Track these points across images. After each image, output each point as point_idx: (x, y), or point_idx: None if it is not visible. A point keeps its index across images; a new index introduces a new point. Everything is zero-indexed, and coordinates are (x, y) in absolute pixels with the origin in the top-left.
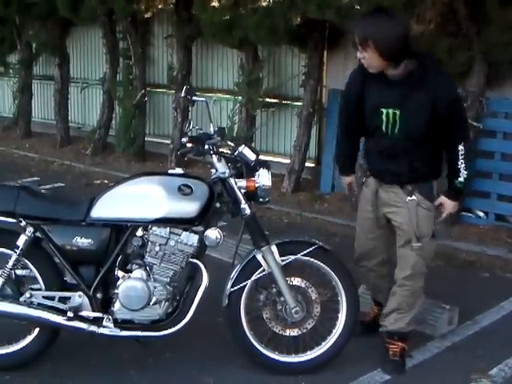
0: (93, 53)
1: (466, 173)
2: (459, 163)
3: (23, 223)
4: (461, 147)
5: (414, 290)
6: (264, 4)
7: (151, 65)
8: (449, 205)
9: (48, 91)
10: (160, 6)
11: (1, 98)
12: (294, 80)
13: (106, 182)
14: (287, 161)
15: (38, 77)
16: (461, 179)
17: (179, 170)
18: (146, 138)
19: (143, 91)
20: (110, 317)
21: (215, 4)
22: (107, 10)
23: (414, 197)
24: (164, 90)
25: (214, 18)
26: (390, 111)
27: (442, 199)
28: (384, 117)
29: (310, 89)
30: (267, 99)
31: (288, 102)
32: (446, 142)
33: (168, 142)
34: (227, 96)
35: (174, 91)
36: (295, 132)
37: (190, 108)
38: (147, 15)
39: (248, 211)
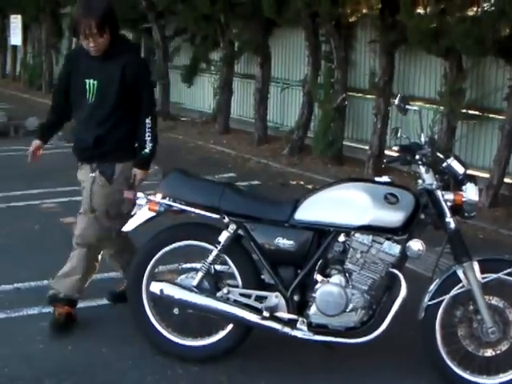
0: (294, 54)
1: (151, 144)
2: (146, 136)
3: (226, 220)
4: (148, 121)
5: (82, 255)
6: (472, 13)
7: (353, 69)
8: (139, 174)
9: (248, 89)
10: (364, 11)
11: (201, 93)
12: (497, 93)
13: (301, 183)
14: (485, 175)
15: (238, 75)
16: (147, 150)
17: (386, 178)
18: (343, 142)
19: (344, 95)
20: (304, 320)
21: (421, 11)
22: (311, 12)
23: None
24: (365, 95)
25: (421, 25)
26: (92, 81)
27: (134, 170)
28: (87, 86)
29: None
30: (469, 111)
31: (490, 115)
32: (135, 119)
33: (366, 147)
34: (428, 105)
35: (374, 97)
36: (495, 146)
37: (389, 115)
38: (351, 19)
39: (453, 225)
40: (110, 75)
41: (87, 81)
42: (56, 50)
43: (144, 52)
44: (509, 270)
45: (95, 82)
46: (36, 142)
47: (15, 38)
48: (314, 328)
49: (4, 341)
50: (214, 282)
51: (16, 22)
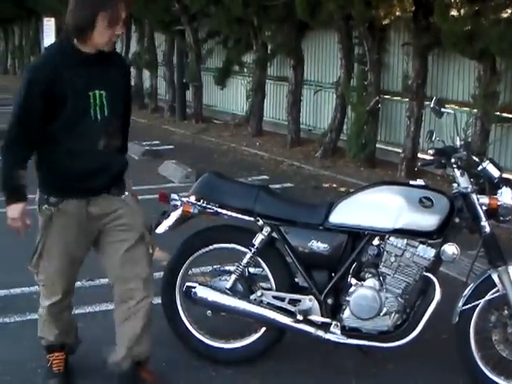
0: (327, 56)
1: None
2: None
3: (260, 222)
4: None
5: (151, 296)
6: (507, 15)
7: (386, 72)
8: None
9: (281, 92)
10: (398, 13)
11: (234, 95)
12: None
13: (334, 186)
14: None
15: (271, 77)
16: None
17: (421, 182)
18: (376, 145)
19: (377, 98)
20: (338, 323)
21: (455, 13)
22: (345, 14)
23: (126, 192)
24: (398, 98)
25: (455, 27)
26: (97, 92)
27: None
28: (92, 100)
29: None
30: (503, 114)
31: None
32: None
33: (399, 150)
34: (462, 108)
35: (408, 99)
36: None
37: (423, 118)
38: (385, 22)
39: (488, 229)
40: (114, 82)
41: (91, 93)
42: None
43: (177, 54)
44: None
45: (102, 93)
46: (20, 207)
47: (48, 40)
48: (347, 331)
49: (37, 342)
50: (247, 285)
51: (49, 25)
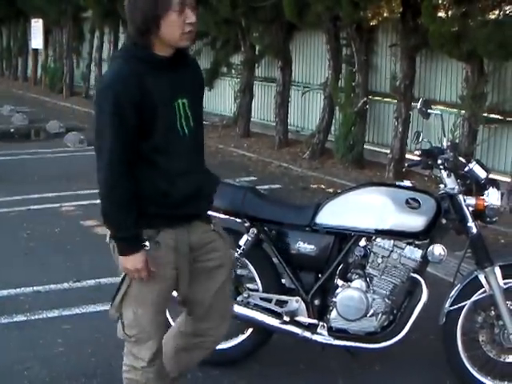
0: (315, 57)
1: None
2: None
3: (247, 224)
4: None
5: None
6: (494, 17)
7: (374, 73)
8: None
9: (269, 93)
10: (386, 14)
11: (222, 97)
12: None
13: (322, 187)
14: (507, 179)
15: (259, 78)
16: None
17: (407, 183)
18: (364, 146)
19: (365, 99)
20: (324, 324)
21: (443, 15)
22: (333, 15)
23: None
24: (386, 99)
25: (443, 28)
26: (180, 102)
27: None
28: (177, 111)
29: None
30: (491, 115)
31: None
32: None
33: (387, 151)
34: (449, 109)
35: (396, 101)
36: None
37: (410, 119)
38: (373, 23)
39: (475, 230)
40: (194, 87)
41: (175, 104)
42: (77, 54)
43: None
44: None
45: (185, 101)
46: (140, 258)
47: (36, 41)
48: (334, 332)
49: (24, 344)
50: (234, 286)
51: (37, 26)
